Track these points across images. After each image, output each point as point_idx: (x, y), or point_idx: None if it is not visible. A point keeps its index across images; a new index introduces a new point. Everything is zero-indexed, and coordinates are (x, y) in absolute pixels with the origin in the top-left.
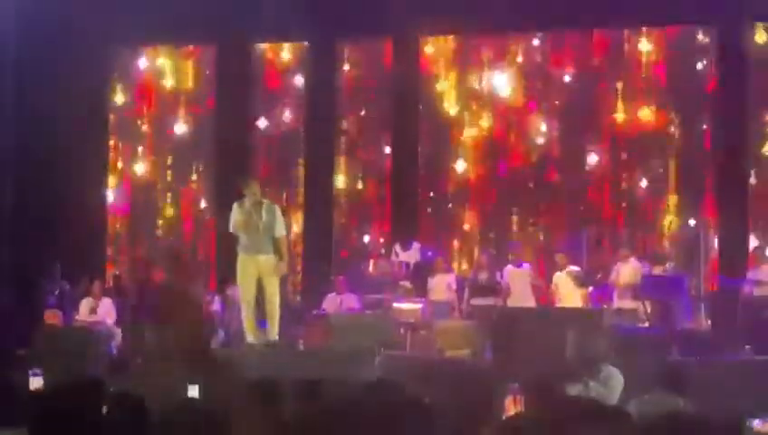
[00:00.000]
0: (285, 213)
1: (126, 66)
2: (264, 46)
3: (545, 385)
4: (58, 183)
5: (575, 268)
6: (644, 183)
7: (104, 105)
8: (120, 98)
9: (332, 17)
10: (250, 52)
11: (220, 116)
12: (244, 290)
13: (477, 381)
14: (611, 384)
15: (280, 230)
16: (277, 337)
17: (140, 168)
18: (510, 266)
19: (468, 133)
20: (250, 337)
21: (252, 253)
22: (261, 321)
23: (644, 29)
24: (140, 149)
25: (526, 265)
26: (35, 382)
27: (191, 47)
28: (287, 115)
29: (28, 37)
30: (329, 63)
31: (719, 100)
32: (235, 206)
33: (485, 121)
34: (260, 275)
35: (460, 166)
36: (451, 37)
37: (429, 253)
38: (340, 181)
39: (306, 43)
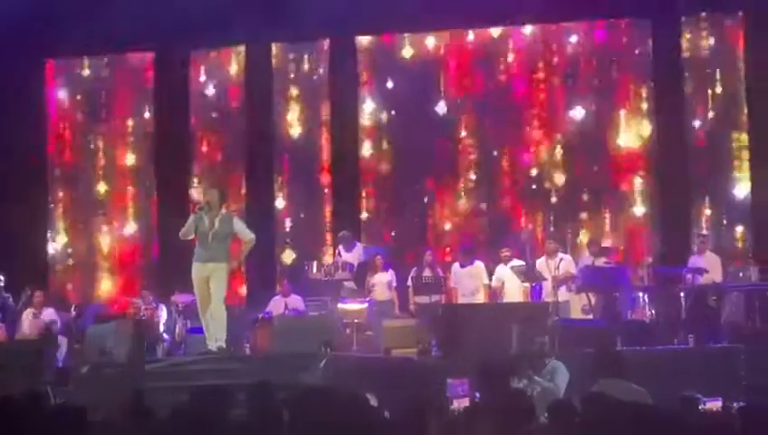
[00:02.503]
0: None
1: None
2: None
3: (491, 380)
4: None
5: (519, 263)
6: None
7: (41, 112)
8: (61, 105)
9: (268, 20)
10: (187, 58)
11: (160, 123)
12: (198, 297)
13: (424, 378)
14: (557, 377)
15: (248, 235)
16: (224, 344)
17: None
18: (457, 265)
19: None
20: (210, 343)
21: (201, 260)
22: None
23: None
24: (83, 156)
25: (477, 262)
26: None
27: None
28: (227, 118)
29: None
30: (265, 66)
31: (655, 90)
32: (192, 214)
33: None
34: (209, 283)
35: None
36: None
37: (374, 252)
38: (281, 184)
39: (243, 47)
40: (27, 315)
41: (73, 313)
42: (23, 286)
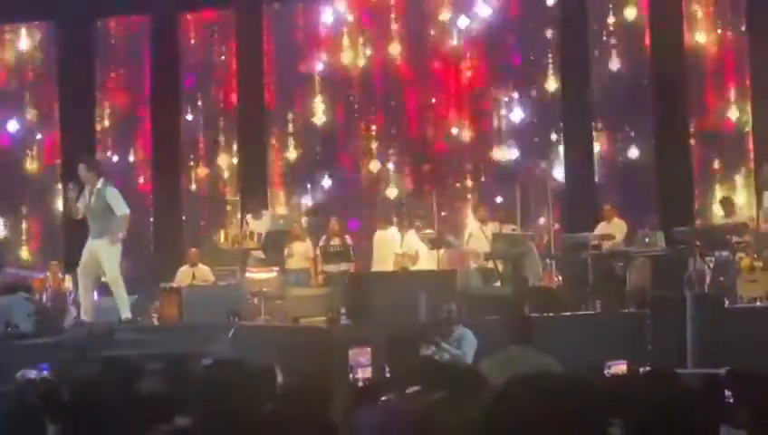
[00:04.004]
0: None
1: None
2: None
3: (398, 348)
4: None
5: (429, 231)
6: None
7: None
8: None
9: None
10: (92, 27)
11: (63, 94)
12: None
13: (330, 347)
14: (464, 344)
15: (120, 209)
16: (129, 314)
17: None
18: (378, 231)
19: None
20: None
21: (90, 237)
22: None
23: None
24: None
25: (392, 229)
26: None
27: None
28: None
29: None
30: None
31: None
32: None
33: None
34: (98, 259)
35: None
36: None
37: (283, 221)
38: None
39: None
40: None
41: None
42: None
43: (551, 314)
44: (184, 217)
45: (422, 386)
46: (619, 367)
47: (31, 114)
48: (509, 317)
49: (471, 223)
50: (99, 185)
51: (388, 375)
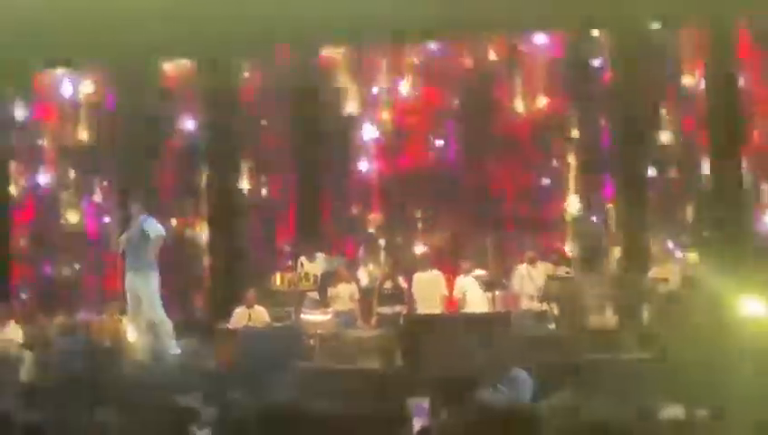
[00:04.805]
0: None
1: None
2: (163, 63)
3: (454, 390)
4: None
5: (481, 272)
6: (545, 182)
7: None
8: (20, 113)
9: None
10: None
11: (122, 128)
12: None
13: (388, 390)
14: (520, 387)
15: (155, 231)
16: (178, 350)
17: (43, 179)
18: (418, 272)
19: (369, 137)
20: (146, 354)
21: (126, 271)
22: None
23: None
24: (42, 164)
25: (435, 271)
26: None
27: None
28: (189, 125)
29: None
30: (227, 76)
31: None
32: None
33: (386, 126)
34: (139, 296)
35: (362, 169)
36: (347, 46)
37: (336, 263)
38: (245, 194)
39: (204, 58)
40: None
41: (38, 326)
42: None
43: (606, 357)
44: (239, 259)
45: (478, 430)
46: (675, 411)
47: None
48: (564, 360)
49: (520, 265)
50: (141, 218)
51: (445, 418)
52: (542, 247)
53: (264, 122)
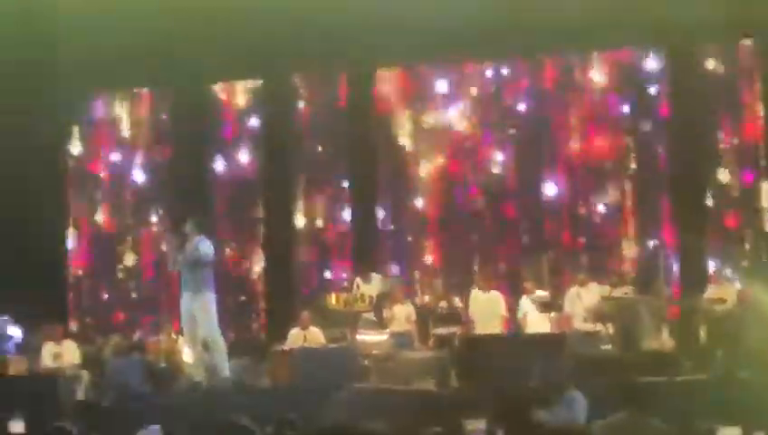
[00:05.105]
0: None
1: (80, 112)
2: (218, 87)
3: (510, 412)
4: (14, 230)
5: (542, 293)
6: (602, 208)
7: (61, 152)
8: (76, 145)
9: (286, 53)
10: (205, 93)
11: (176, 160)
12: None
13: (444, 411)
14: (575, 408)
15: (202, 252)
16: (228, 373)
17: (99, 214)
18: (476, 292)
19: (425, 165)
20: (199, 375)
21: (182, 292)
22: None
23: (595, 54)
24: (99, 195)
25: (495, 292)
26: (17, 426)
27: (145, 90)
28: (244, 155)
29: None
30: (284, 101)
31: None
32: None
33: (441, 153)
34: (195, 317)
35: (418, 198)
36: (403, 71)
37: (392, 284)
38: (300, 218)
39: (261, 81)
40: (47, 349)
41: (95, 346)
42: (43, 319)
43: (663, 378)
44: (294, 280)
45: None
46: (732, 433)
47: None
48: (620, 381)
49: (573, 286)
50: (196, 239)
51: None
52: (600, 269)
53: (320, 148)
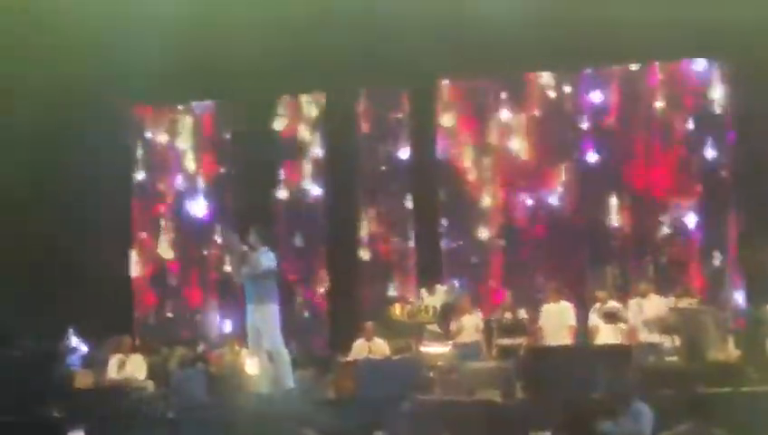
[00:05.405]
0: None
1: (140, 130)
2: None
3: (576, 424)
4: (82, 244)
5: (614, 304)
6: (667, 219)
7: (128, 168)
8: (139, 162)
9: (349, 68)
10: (273, 105)
11: (239, 176)
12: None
13: (508, 422)
14: (641, 419)
15: (265, 263)
16: (293, 384)
17: (163, 232)
18: (549, 304)
19: (490, 177)
20: (263, 386)
21: (247, 304)
22: None
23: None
24: (163, 211)
25: (564, 303)
26: None
27: (207, 105)
28: (306, 168)
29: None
30: (347, 115)
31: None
32: None
33: (506, 165)
34: (259, 329)
35: (483, 205)
36: (464, 84)
37: (456, 295)
38: (364, 230)
39: (324, 95)
40: (114, 361)
41: (160, 357)
42: (109, 332)
43: (728, 390)
44: (359, 291)
45: None
46: None
47: None
48: (685, 393)
49: (635, 297)
50: (260, 250)
51: None
52: (665, 280)
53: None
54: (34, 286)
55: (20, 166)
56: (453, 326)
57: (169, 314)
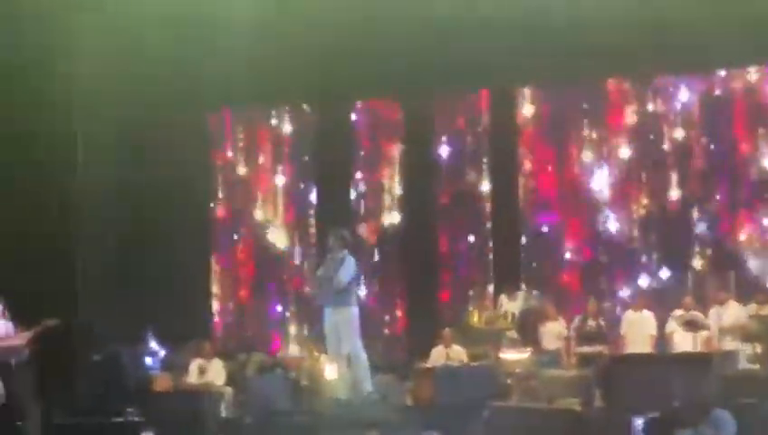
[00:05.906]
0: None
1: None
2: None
3: (656, 432)
4: (165, 248)
5: (696, 314)
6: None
7: (209, 166)
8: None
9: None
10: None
11: (322, 172)
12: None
13: (587, 430)
14: (723, 428)
15: (344, 275)
16: (371, 387)
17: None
18: (630, 311)
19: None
20: (342, 391)
21: (325, 309)
22: None
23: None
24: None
25: (647, 311)
26: None
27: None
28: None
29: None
30: (424, 121)
31: None
32: None
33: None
34: (339, 333)
35: (562, 220)
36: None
37: (535, 301)
38: (443, 238)
39: (400, 100)
40: (194, 366)
41: (238, 363)
42: (190, 337)
43: None
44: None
45: None
46: None
47: None
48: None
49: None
50: (342, 255)
51: None
52: (746, 287)
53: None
54: (118, 290)
55: (108, 172)
56: (539, 331)
57: (246, 318)
